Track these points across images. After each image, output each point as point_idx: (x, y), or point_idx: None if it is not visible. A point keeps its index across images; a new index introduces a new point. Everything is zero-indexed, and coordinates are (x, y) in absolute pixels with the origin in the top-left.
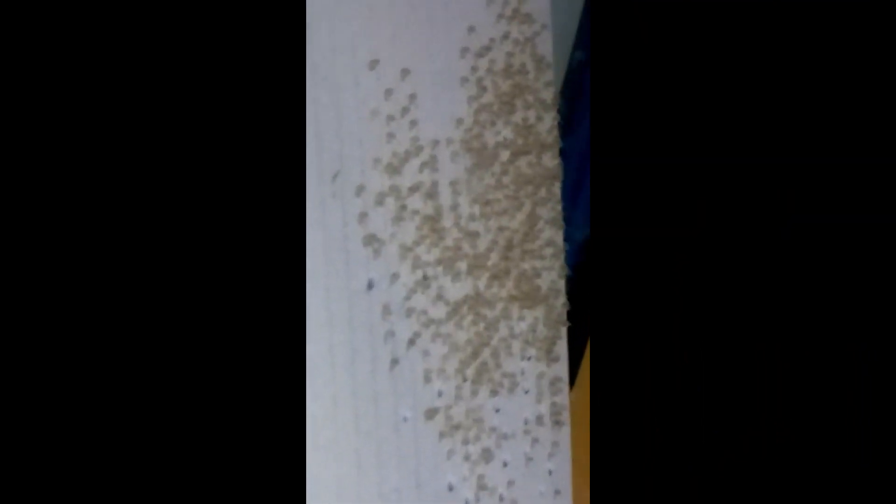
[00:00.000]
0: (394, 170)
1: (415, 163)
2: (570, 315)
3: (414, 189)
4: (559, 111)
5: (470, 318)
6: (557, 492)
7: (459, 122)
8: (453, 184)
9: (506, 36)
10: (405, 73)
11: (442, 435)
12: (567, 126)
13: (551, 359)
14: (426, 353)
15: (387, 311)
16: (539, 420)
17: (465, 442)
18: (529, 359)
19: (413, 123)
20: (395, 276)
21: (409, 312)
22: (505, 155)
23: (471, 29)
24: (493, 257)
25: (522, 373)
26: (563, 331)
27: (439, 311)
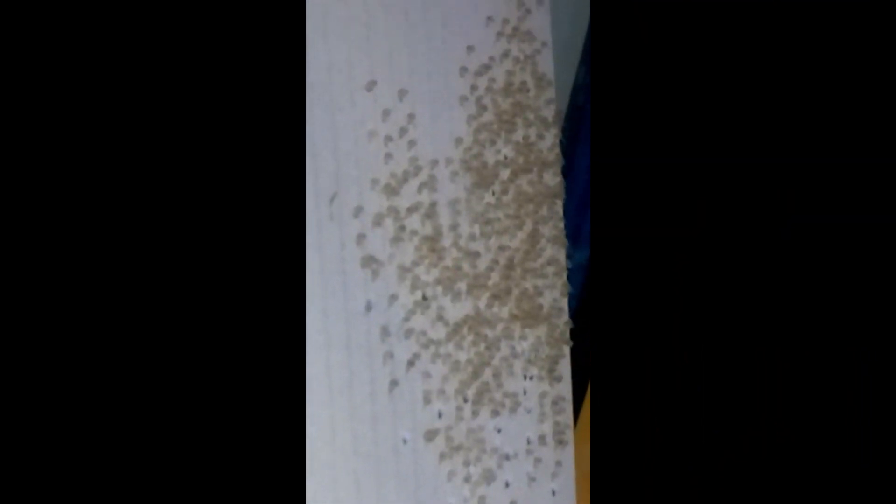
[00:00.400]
0: (392, 190)
1: (413, 183)
2: (574, 334)
3: (413, 209)
4: (562, 128)
5: (470, 338)
6: None
7: (459, 141)
8: (453, 203)
9: (506, 54)
10: (403, 93)
11: (442, 456)
12: (572, 143)
13: (554, 378)
14: (426, 375)
15: (385, 332)
16: (542, 440)
17: (467, 463)
18: (531, 378)
19: (412, 143)
20: (393, 298)
21: (409, 333)
22: (505, 174)
23: (470, 48)
24: (494, 277)
25: (525, 392)
26: (566, 350)
27: (439, 332)
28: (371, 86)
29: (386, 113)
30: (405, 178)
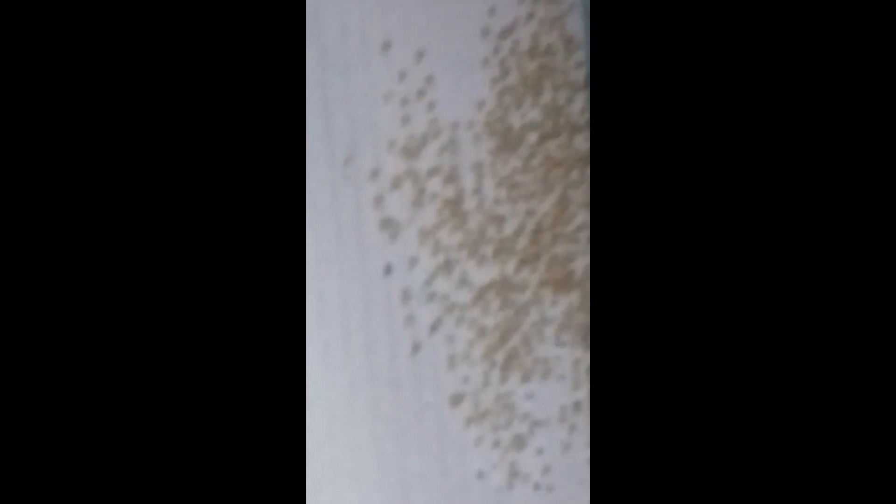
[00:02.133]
0: (410, 153)
1: (433, 146)
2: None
3: (433, 172)
4: None
5: (497, 302)
6: None
7: (481, 104)
8: (476, 167)
9: (531, 16)
10: (420, 55)
11: (469, 421)
12: None
13: (588, 345)
14: (450, 339)
15: (406, 295)
16: (577, 407)
17: (496, 428)
18: (564, 345)
19: (431, 106)
20: (413, 260)
21: (431, 297)
22: (533, 137)
23: (491, 10)
24: (522, 241)
25: (558, 358)
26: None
27: (463, 296)
28: (386, 47)
29: (402, 75)
30: (424, 141)
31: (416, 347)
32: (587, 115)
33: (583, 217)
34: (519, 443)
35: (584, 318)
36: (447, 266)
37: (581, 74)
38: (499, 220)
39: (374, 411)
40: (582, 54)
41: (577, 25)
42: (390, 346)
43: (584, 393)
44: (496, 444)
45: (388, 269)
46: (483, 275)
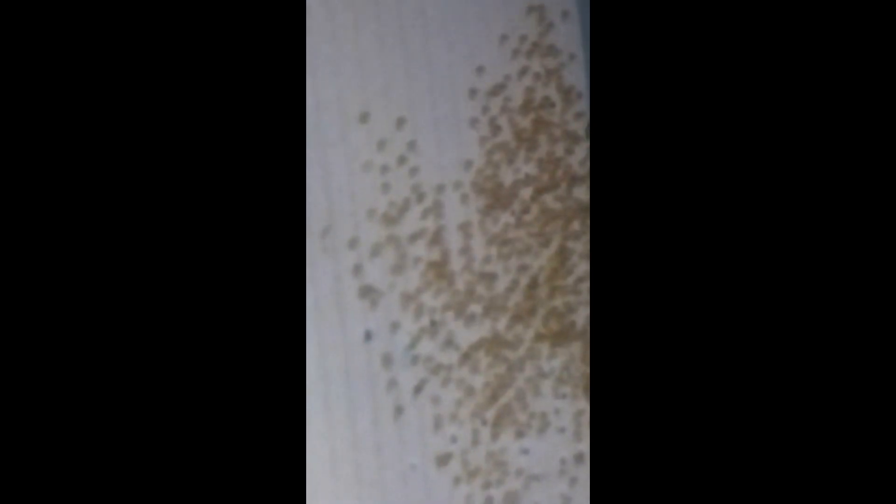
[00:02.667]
0: (391, 220)
1: (416, 210)
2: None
3: (416, 237)
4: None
5: (487, 360)
6: None
7: (468, 164)
8: (463, 227)
9: (524, 71)
10: (401, 122)
11: (458, 480)
12: None
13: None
14: (436, 400)
15: (387, 360)
16: (579, 458)
17: (486, 486)
18: (564, 397)
19: (413, 171)
20: (395, 325)
21: (415, 360)
22: (527, 192)
23: (480, 69)
24: (514, 297)
25: (556, 411)
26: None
27: (450, 357)
28: (364, 118)
29: (382, 144)
30: (406, 207)
31: (398, 410)
32: (588, 165)
33: (585, 267)
34: (513, 499)
35: (587, 368)
36: (432, 328)
37: (582, 124)
38: (489, 279)
39: (357, 478)
40: (583, 104)
41: (577, 76)
42: (373, 412)
43: (587, 444)
44: (488, 501)
45: (367, 336)
46: (471, 334)
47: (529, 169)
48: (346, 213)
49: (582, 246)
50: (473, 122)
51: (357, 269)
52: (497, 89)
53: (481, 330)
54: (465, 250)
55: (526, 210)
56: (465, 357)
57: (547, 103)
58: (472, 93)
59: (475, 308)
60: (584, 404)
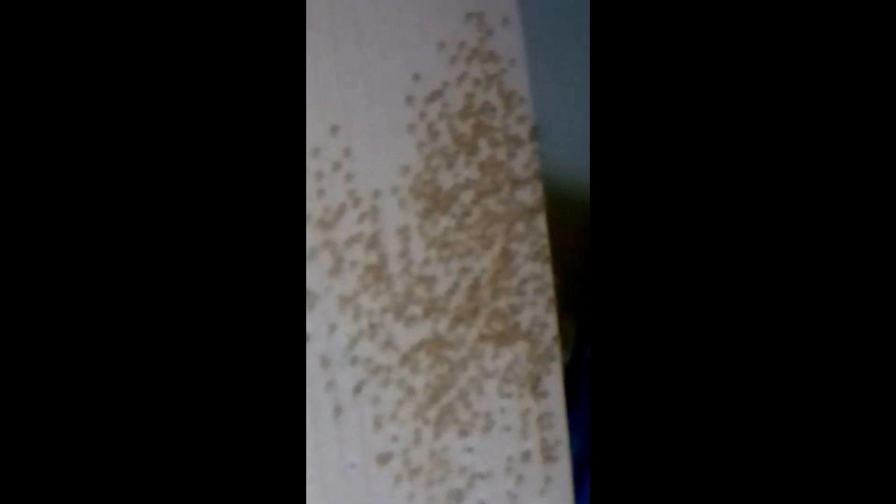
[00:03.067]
0: (327, 225)
1: (352, 215)
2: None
3: (352, 241)
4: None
5: (429, 361)
6: None
7: (406, 169)
8: (401, 231)
9: (463, 77)
10: (335, 129)
11: (398, 479)
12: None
13: (538, 394)
14: (376, 400)
15: (326, 361)
16: (525, 456)
17: (429, 484)
18: (510, 396)
19: (349, 177)
20: (332, 327)
21: (354, 361)
22: (468, 196)
23: (416, 76)
24: (456, 299)
25: (502, 410)
26: (554, 366)
27: (389, 358)
28: None
29: (316, 151)
30: (342, 212)
31: (338, 410)
32: (533, 167)
33: (531, 269)
34: (456, 496)
35: (533, 368)
36: (371, 330)
37: (525, 128)
38: (429, 281)
39: None
40: (526, 108)
41: (519, 81)
42: (312, 412)
43: (533, 443)
44: (430, 499)
45: (306, 338)
46: (412, 335)
47: (470, 173)
48: None
49: (527, 248)
50: (411, 128)
51: None
52: (435, 95)
53: (422, 331)
54: (404, 253)
55: (467, 213)
56: (406, 358)
57: (488, 108)
58: (409, 99)
59: (415, 310)
60: (531, 403)
